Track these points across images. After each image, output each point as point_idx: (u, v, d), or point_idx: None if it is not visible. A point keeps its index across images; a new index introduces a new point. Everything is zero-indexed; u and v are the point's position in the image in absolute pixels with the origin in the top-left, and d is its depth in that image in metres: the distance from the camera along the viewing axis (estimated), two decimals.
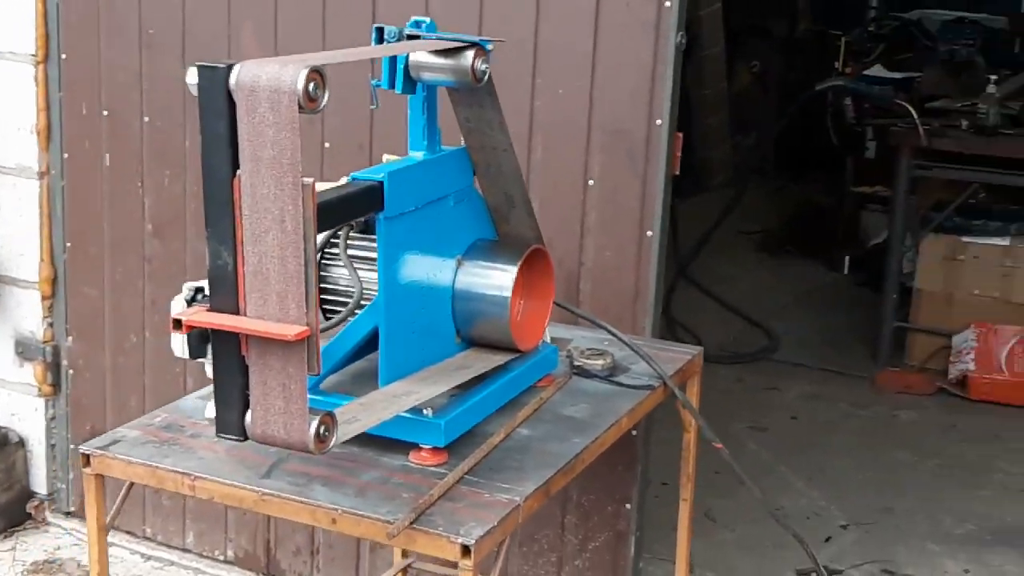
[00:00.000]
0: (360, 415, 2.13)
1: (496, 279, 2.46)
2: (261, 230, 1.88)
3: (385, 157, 2.58)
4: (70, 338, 4.07)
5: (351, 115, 3.47)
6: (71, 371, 4.10)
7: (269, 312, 1.91)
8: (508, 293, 2.45)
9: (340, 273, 2.45)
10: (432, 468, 2.30)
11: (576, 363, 2.77)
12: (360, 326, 2.33)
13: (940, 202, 6.25)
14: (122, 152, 3.87)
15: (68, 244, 4.02)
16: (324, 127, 3.53)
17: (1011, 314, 5.93)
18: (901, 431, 5.40)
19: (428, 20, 2.39)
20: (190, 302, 2.15)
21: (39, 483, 4.22)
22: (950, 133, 5.87)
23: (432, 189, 2.40)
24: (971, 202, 6.14)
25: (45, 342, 4.09)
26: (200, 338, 2.20)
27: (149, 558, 3.98)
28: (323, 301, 2.40)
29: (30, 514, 4.19)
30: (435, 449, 2.33)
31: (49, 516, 4.20)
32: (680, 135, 3.12)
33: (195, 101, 1.89)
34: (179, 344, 2.27)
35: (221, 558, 3.93)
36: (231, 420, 2.00)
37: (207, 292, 2.11)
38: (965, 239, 6.03)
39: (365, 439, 2.25)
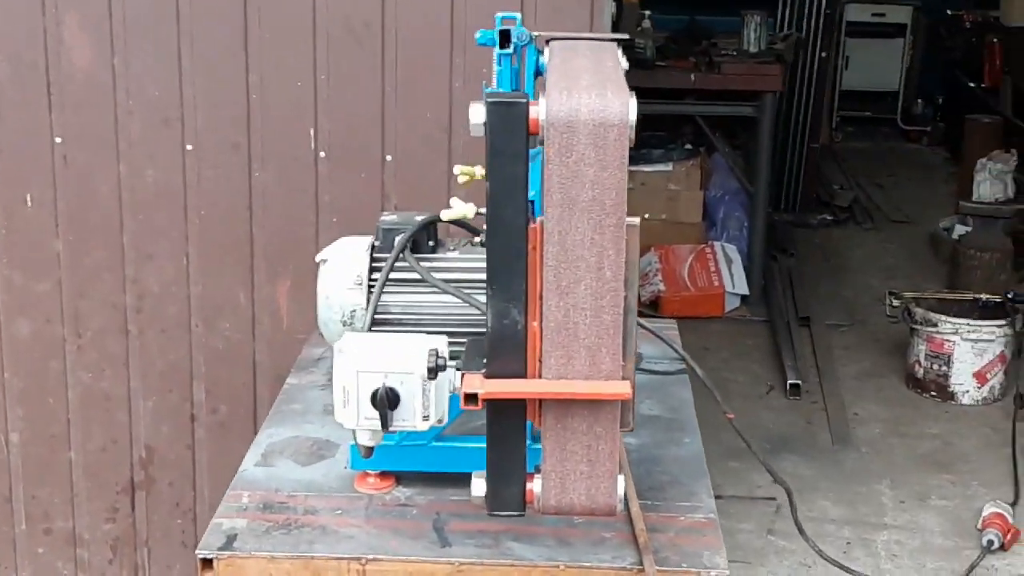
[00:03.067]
0: None
1: None
2: (571, 280, 1.67)
3: (458, 169, 2.33)
4: None
5: (220, 112, 3.09)
6: None
7: (575, 370, 1.70)
8: None
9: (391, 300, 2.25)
10: None
11: None
12: None
13: None
14: None
15: None
16: (184, 128, 3.10)
17: (679, 234, 6.36)
18: None
19: (517, 15, 2.19)
20: (434, 370, 1.84)
21: None
22: None
23: None
24: None
25: None
26: (390, 406, 1.91)
27: None
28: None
29: None
30: None
31: None
32: None
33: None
34: (352, 414, 1.94)
35: None
36: (512, 494, 1.78)
37: (442, 354, 1.85)
38: (632, 168, 6.33)
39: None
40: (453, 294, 2.23)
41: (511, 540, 2.04)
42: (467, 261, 2.36)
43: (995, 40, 8.62)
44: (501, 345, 1.71)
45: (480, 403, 1.70)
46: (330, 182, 3.11)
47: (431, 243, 2.36)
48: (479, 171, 2.32)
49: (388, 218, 2.41)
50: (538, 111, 1.62)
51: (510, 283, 1.68)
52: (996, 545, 4.01)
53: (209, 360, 3.25)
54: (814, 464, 4.68)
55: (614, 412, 1.73)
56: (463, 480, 2.18)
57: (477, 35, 2.20)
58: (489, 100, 1.62)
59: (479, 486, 1.78)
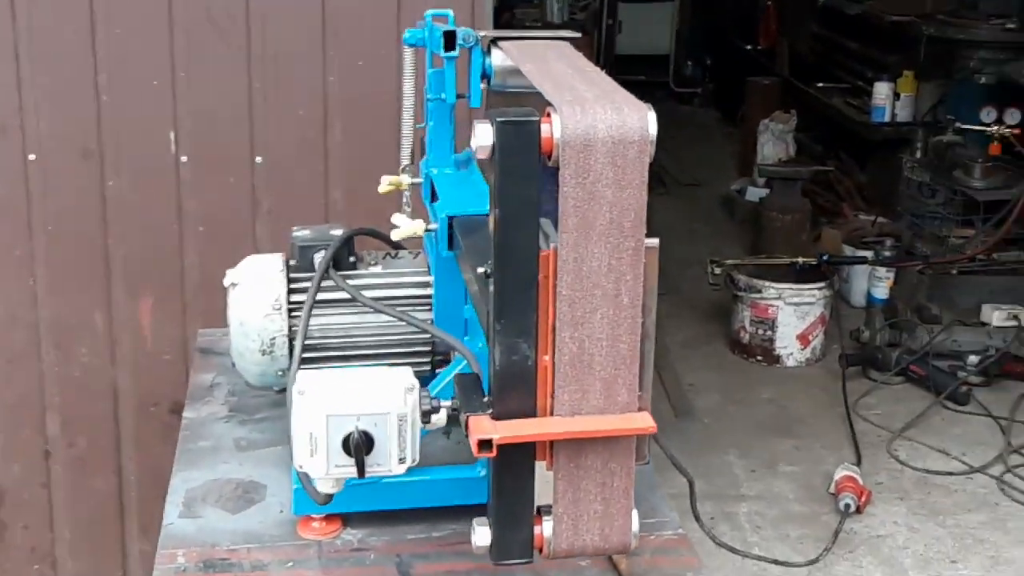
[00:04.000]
0: None
1: None
2: (587, 310, 1.54)
3: (386, 179, 2.16)
4: None
5: (67, 117, 2.80)
6: None
7: (590, 404, 1.58)
8: None
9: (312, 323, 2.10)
10: None
11: None
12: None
13: None
14: None
15: None
16: (26, 136, 2.80)
17: None
18: None
19: (449, 12, 2.03)
20: (428, 413, 1.67)
21: None
22: None
23: None
24: None
25: None
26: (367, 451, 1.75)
27: None
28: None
29: None
30: None
31: None
32: None
33: None
34: (321, 463, 1.75)
35: None
36: (520, 541, 1.63)
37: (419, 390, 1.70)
38: None
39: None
40: (388, 314, 2.08)
41: None
42: (394, 276, 2.21)
43: (769, 3, 8.85)
44: (510, 383, 1.56)
45: (495, 449, 1.55)
46: (194, 188, 2.87)
47: (352, 259, 2.20)
48: (406, 180, 2.17)
49: (301, 234, 2.22)
50: (551, 130, 1.48)
51: (520, 316, 1.54)
52: (852, 508, 4.09)
53: (64, 390, 2.97)
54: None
55: (630, 446, 1.61)
56: (413, 516, 2.04)
57: (405, 34, 2.04)
58: (499, 120, 1.46)
59: (483, 535, 1.64)
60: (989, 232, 5.79)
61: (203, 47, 2.79)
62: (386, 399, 1.77)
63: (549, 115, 1.49)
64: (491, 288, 1.54)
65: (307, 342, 2.15)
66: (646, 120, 1.50)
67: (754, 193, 7.40)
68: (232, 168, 2.88)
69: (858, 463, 4.45)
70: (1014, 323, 5.38)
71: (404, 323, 2.14)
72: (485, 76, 1.95)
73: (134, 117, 2.81)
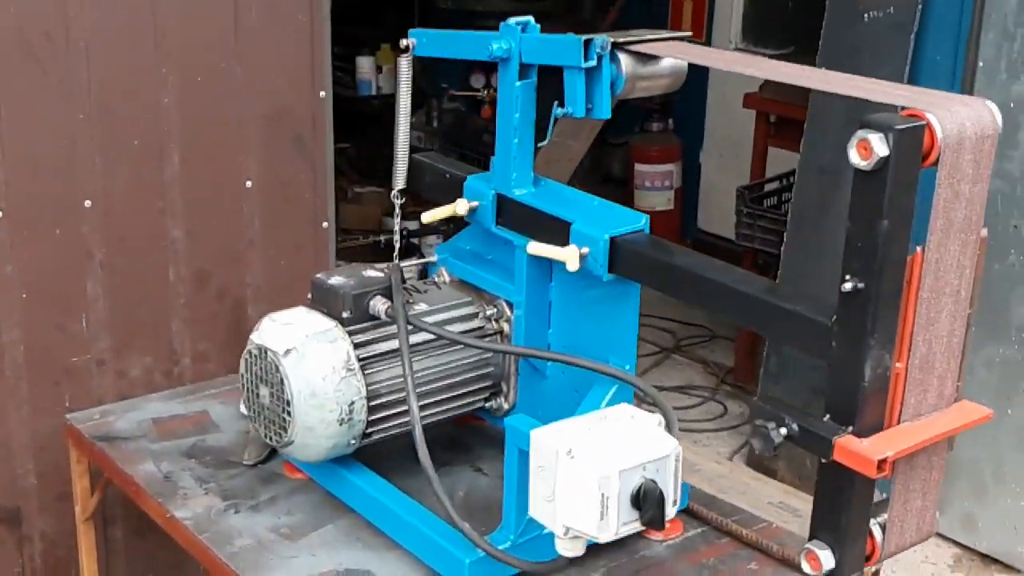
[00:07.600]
0: None
1: None
2: (937, 310, 1.53)
3: (459, 204, 1.92)
4: None
5: None
6: None
7: (928, 403, 1.57)
8: None
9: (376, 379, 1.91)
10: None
11: None
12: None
13: None
14: None
15: None
16: None
17: None
18: None
19: (529, 19, 1.86)
20: (766, 440, 1.49)
21: None
22: None
23: None
24: None
25: None
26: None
27: None
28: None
29: None
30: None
31: None
32: None
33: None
34: (612, 524, 1.55)
35: None
36: (857, 555, 1.59)
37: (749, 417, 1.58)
38: None
39: None
40: (506, 352, 1.93)
41: None
42: (447, 311, 1.99)
43: None
44: (873, 396, 1.51)
45: (888, 466, 1.49)
46: (14, 248, 2.35)
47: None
48: (462, 207, 1.96)
49: (335, 281, 1.94)
50: (932, 132, 1.44)
51: (888, 326, 1.49)
52: None
53: None
54: None
55: (946, 438, 1.62)
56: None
57: (494, 47, 1.82)
58: (896, 128, 1.39)
59: (827, 558, 1.56)
60: None
61: (16, 76, 2.26)
62: (660, 442, 1.63)
63: (923, 118, 1.44)
64: (866, 303, 1.47)
65: (379, 400, 1.90)
66: (994, 113, 1.51)
67: None
68: (57, 218, 2.37)
69: None
70: None
71: (468, 357, 1.96)
72: (613, 84, 1.80)
73: None
